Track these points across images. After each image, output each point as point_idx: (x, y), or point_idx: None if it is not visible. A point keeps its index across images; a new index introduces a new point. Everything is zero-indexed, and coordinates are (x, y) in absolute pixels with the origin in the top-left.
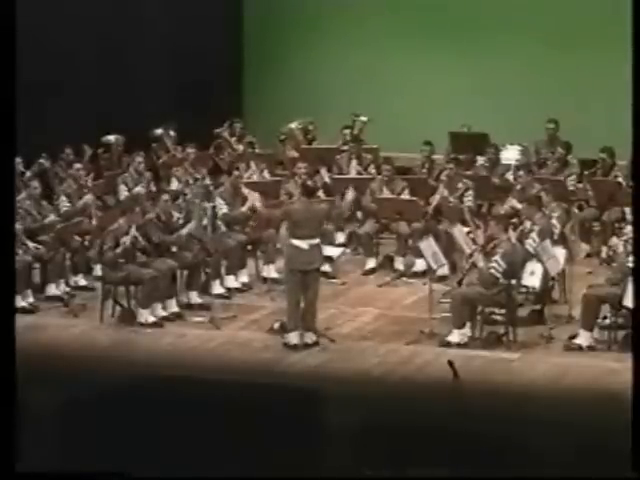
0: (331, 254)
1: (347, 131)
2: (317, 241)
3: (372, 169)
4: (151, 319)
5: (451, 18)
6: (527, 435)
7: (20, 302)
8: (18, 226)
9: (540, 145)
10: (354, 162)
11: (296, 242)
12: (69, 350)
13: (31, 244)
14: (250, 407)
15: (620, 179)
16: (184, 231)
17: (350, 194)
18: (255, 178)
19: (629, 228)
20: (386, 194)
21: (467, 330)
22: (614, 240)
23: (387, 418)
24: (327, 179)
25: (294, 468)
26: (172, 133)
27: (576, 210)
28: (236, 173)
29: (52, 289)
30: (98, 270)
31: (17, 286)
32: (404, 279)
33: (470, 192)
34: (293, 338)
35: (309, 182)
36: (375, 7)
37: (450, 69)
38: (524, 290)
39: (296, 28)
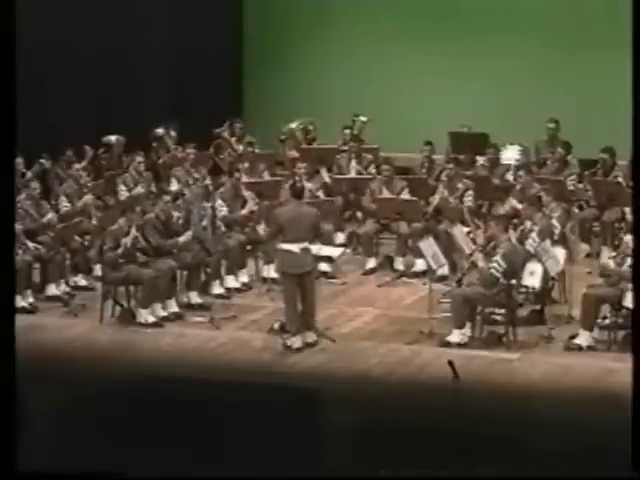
0: (331, 254)
1: (347, 131)
2: (307, 244)
3: (372, 169)
4: (151, 319)
5: (451, 19)
6: (527, 435)
7: (20, 302)
8: (18, 226)
9: (540, 145)
10: (354, 162)
11: (286, 246)
12: (69, 350)
13: (31, 244)
14: (250, 407)
15: (620, 179)
16: (182, 239)
17: (324, 172)
18: (244, 178)
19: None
20: (386, 194)
21: (467, 330)
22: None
23: (387, 418)
24: (327, 179)
25: (294, 468)
26: (173, 133)
27: (576, 210)
28: (237, 175)
29: (52, 289)
30: (98, 270)
31: (17, 286)
32: (404, 279)
33: (470, 192)
34: (296, 342)
35: (298, 184)
36: (375, 8)
37: (450, 69)
38: (524, 290)
39: (296, 28)
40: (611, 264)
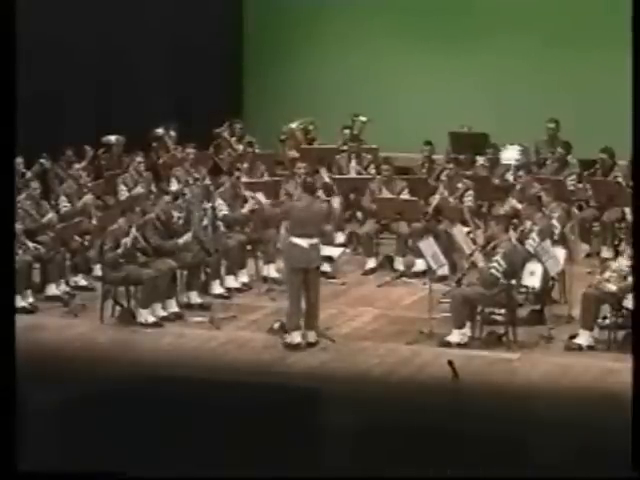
0: (331, 254)
1: (347, 131)
2: (316, 241)
3: (372, 169)
4: (151, 319)
5: (451, 18)
6: (527, 435)
7: (20, 302)
8: (18, 226)
9: (540, 145)
10: (354, 162)
11: (296, 240)
12: (69, 350)
13: (31, 244)
14: (250, 407)
15: (620, 179)
16: (181, 240)
17: (336, 202)
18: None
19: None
20: (386, 194)
21: (467, 330)
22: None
23: (387, 418)
24: (327, 179)
25: (294, 468)
26: (173, 133)
27: (576, 210)
28: (237, 174)
29: (52, 289)
30: (98, 270)
31: (17, 286)
32: (404, 279)
33: (470, 192)
34: (295, 337)
35: (309, 179)
36: (375, 7)
37: (450, 69)
38: (524, 290)
39: (296, 28)
40: (612, 288)
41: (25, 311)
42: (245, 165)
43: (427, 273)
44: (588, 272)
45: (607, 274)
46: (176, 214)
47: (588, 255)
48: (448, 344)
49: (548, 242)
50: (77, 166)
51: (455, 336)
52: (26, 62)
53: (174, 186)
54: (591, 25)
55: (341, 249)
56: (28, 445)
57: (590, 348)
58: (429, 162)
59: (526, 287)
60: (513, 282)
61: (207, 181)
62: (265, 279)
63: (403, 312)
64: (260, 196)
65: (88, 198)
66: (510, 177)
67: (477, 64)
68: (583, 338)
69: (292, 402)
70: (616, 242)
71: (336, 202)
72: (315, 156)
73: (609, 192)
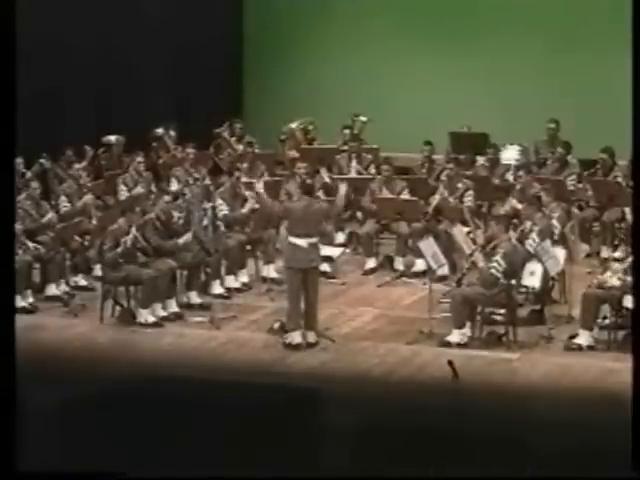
0: (331, 254)
1: (347, 131)
2: (315, 240)
3: (372, 169)
4: (151, 319)
5: (451, 18)
6: (527, 435)
7: (20, 302)
8: (18, 226)
9: (540, 145)
10: (354, 162)
11: (295, 240)
12: (69, 350)
13: (31, 244)
14: (250, 407)
15: (620, 179)
16: (181, 240)
17: (343, 188)
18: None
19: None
20: (386, 194)
21: (467, 330)
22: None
23: (387, 418)
24: (327, 179)
25: (294, 468)
26: (172, 133)
27: (576, 210)
28: (237, 174)
29: (52, 289)
30: (98, 270)
31: (17, 286)
32: (404, 279)
33: (470, 192)
34: (295, 337)
35: (308, 180)
36: (375, 8)
37: (450, 69)
38: (524, 290)
39: (296, 28)
40: (616, 282)
41: (25, 311)
42: (245, 165)
43: (427, 273)
44: (588, 272)
45: (608, 274)
46: (176, 214)
47: (588, 255)
48: (448, 344)
49: (548, 242)
50: (77, 166)
51: (455, 336)
52: (26, 62)
53: (174, 186)
54: (591, 26)
55: (341, 249)
56: (28, 445)
57: (590, 348)
58: (429, 162)
59: (526, 287)
60: (513, 282)
61: (207, 181)
62: (265, 279)
63: (403, 312)
64: (259, 186)
65: (88, 198)
66: (510, 177)
67: (477, 64)
68: (583, 338)
69: (292, 402)
70: (616, 242)
71: (343, 189)
72: (315, 156)
73: (609, 192)
